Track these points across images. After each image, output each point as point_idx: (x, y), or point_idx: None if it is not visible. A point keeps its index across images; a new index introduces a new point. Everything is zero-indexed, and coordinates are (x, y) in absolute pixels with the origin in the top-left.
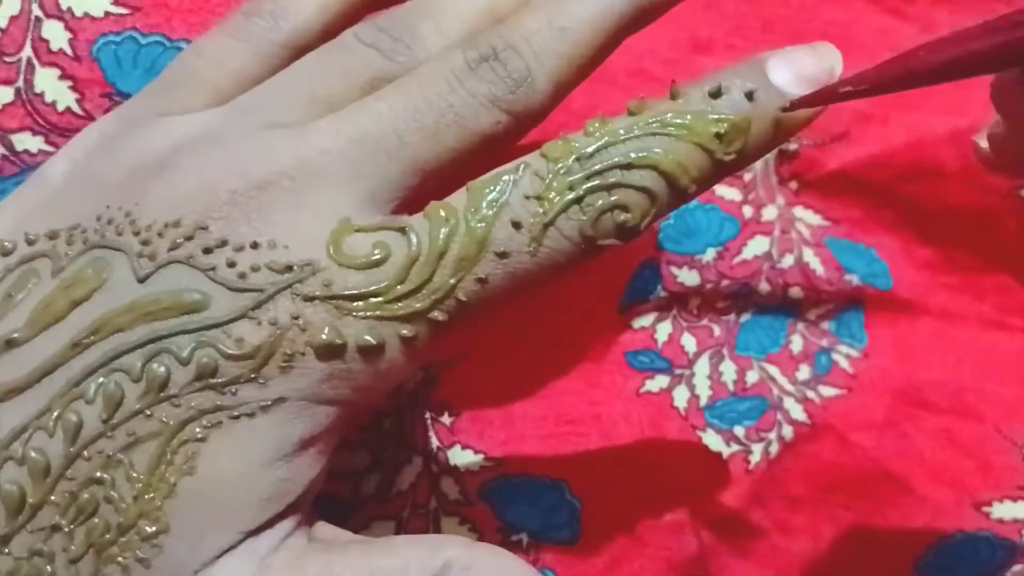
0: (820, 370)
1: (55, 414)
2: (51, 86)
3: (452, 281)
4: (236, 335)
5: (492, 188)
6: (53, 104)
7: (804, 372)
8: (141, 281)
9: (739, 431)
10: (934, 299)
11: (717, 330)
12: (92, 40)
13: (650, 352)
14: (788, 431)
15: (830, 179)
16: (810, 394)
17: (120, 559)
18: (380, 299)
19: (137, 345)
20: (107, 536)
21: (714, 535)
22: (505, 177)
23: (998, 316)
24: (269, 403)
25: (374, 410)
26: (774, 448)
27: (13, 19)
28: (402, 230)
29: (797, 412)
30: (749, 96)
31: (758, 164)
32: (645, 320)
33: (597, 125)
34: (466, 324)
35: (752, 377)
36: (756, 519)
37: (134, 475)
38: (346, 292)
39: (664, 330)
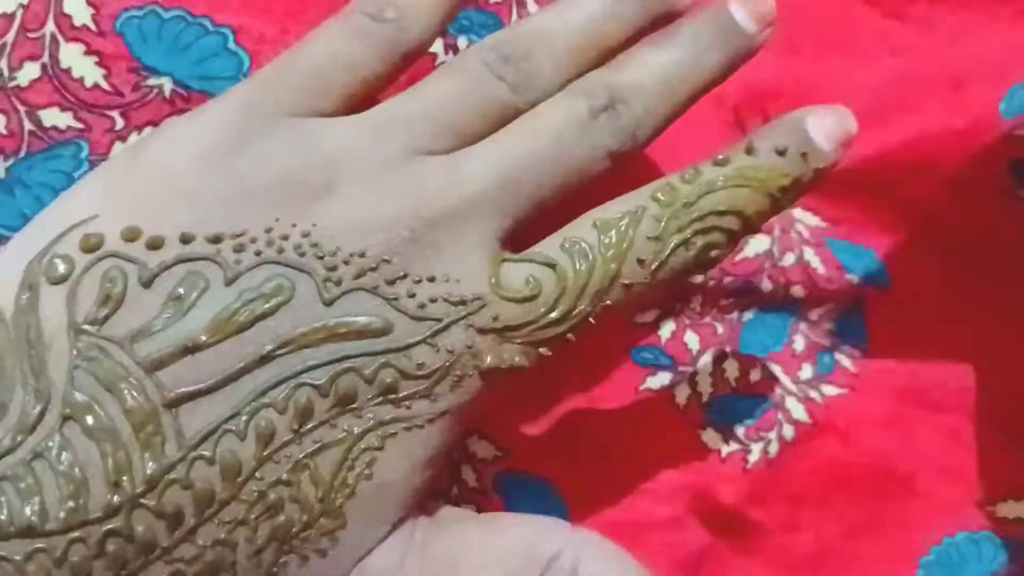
0: (823, 369)
1: (244, 419)
2: (77, 62)
3: (589, 309)
4: (416, 359)
5: (620, 226)
6: (81, 80)
7: (807, 371)
8: (327, 304)
9: (739, 430)
10: (934, 299)
11: (720, 328)
12: (115, 15)
13: (654, 348)
14: (789, 431)
15: (830, 179)
16: (812, 393)
17: (301, 551)
18: (533, 327)
19: (324, 363)
20: (292, 530)
21: (713, 533)
22: (628, 218)
23: (999, 317)
24: (436, 416)
25: None
26: (773, 448)
27: None
28: (552, 267)
29: (799, 412)
30: (803, 156)
31: None
32: (648, 317)
33: (692, 173)
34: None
35: (755, 375)
36: (756, 518)
37: (319, 478)
38: (510, 324)
39: (668, 327)
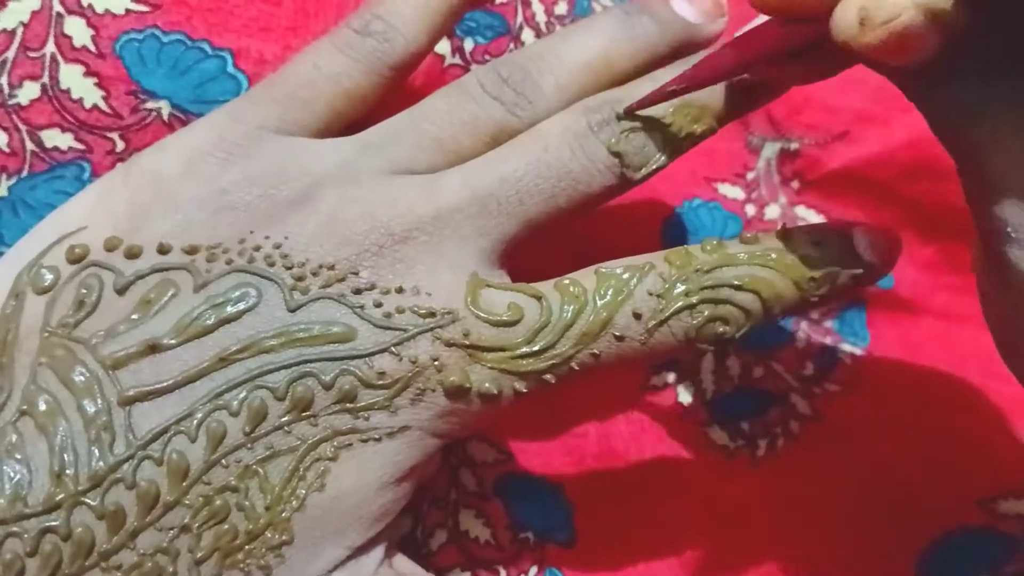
0: (825, 367)
1: (196, 420)
2: (77, 83)
3: (571, 351)
4: (378, 367)
5: (620, 278)
6: (80, 101)
7: (809, 369)
8: (292, 311)
9: (744, 426)
10: (935, 299)
11: None
12: (114, 37)
13: None
14: (794, 426)
15: (831, 178)
16: (815, 390)
17: (243, 565)
18: (507, 354)
19: (283, 366)
20: (235, 542)
21: (719, 529)
22: (632, 271)
23: None
24: (395, 430)
25: None
26: (780, 443)
27: (35, 14)
28: (538, 299)
29: (803, 407)
30: (841, 255)
31: (760, 163)
32: None
33: (715, 244)
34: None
35: (758, 372)
36: (761, 513)
37: (268, 486)
38: (481, 343)
39: None
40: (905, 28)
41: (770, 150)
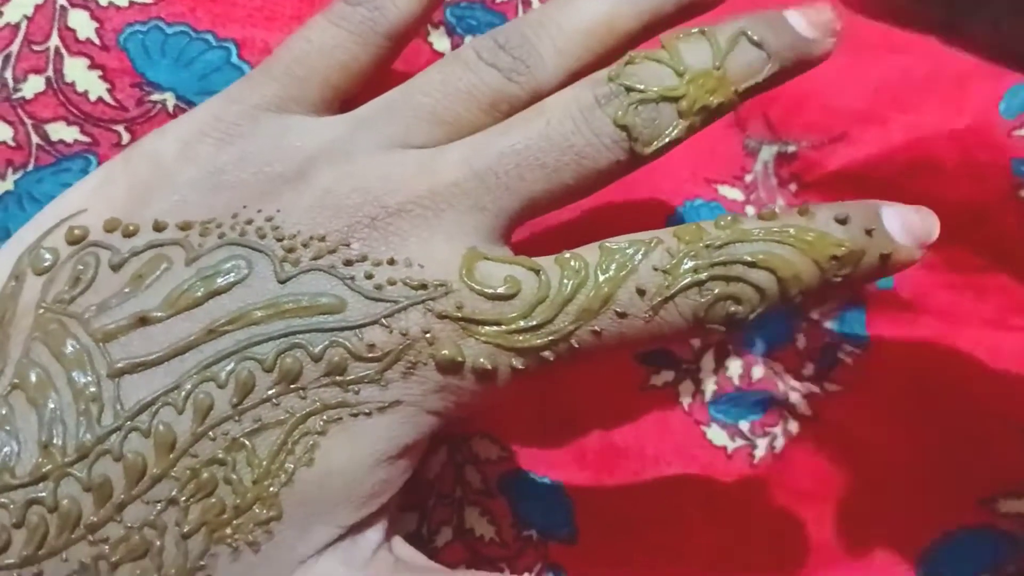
0: (825, 367)
1: (184, 392)
2: (81, 76)
3: (571, 327)
4: (368, 339)
5: (624, 252)
6: (85, 94)
7: (809, 369)
8: (282, 282)
9: (744, 426)
10: (935, 299)
11: None
12: (119, 30)
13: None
14: (794, 426)
15: (829, 180)
16: (815, 390)
17: (231, 540)
18: (503, 328)
19: (272, 338)
20: (223, 516)
21: (720, 529)
22: (638, 245)
23: (999, 316)
24: (386, 405)
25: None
26: (779, 443)
27: (39, 8)
28: (536, 272)
29: (802, 407)
30: (868, 232)
31: (758, 166)
32: None
33: (729, 220)
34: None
35: (757, 372)
36: (761, 513)
37: (255, 460)
38: (475, 316)
39: None
40: None
41: (767, 153)
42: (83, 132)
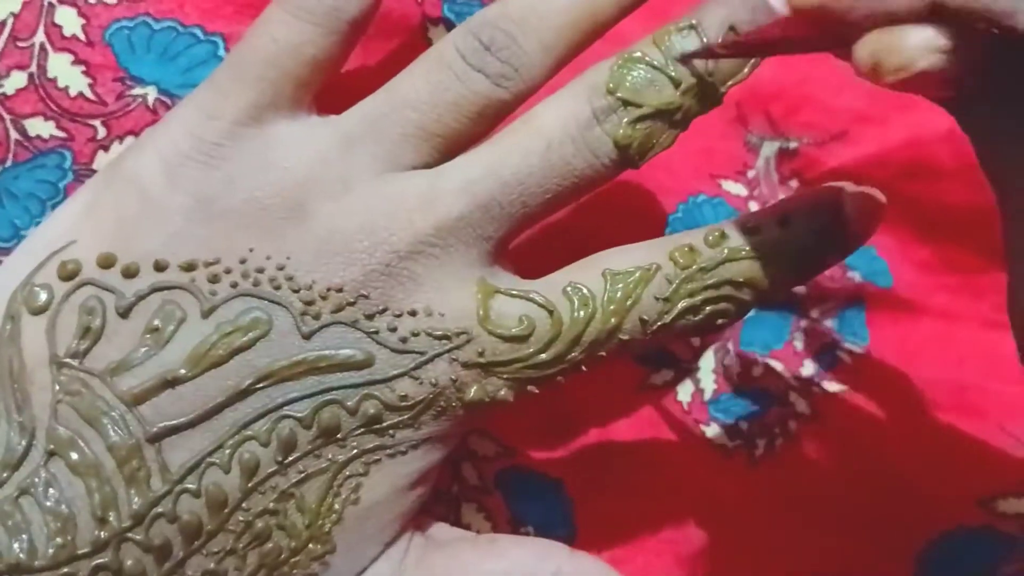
0: (824, 366)
1: (227, 452)
2: (64, 71)
3: (582, 357)
4: (399, 391)
5: (628, 282)
6: (66, 89)
7: (808, 368)
8: (306, 337)
9: (743, 425)
10: (934, 299)
11: None
12: (105, 26)
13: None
14: (793, 426)
15: (830, 178)
16: (814, 389)
17: (291, 575)
18: (521, 364)
19: (306, 395)
20: (280, 557)
21: (717, 528)
22: (639, 274)
23: (997, 316)
24: (419, 442)
25: None
26: (778, 442)
27: (26, 4)
28: (549, 312)
29: (802, 407)
30: (837, 235)
31: (759, 162)
32: None
33: (717, 236)
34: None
35: (757, 371)
36: (760, 512)
37: (305, 506)
38: (496, 359)
39: None
40: (917, 76)
41: (769, 149)
42: (59, 127)
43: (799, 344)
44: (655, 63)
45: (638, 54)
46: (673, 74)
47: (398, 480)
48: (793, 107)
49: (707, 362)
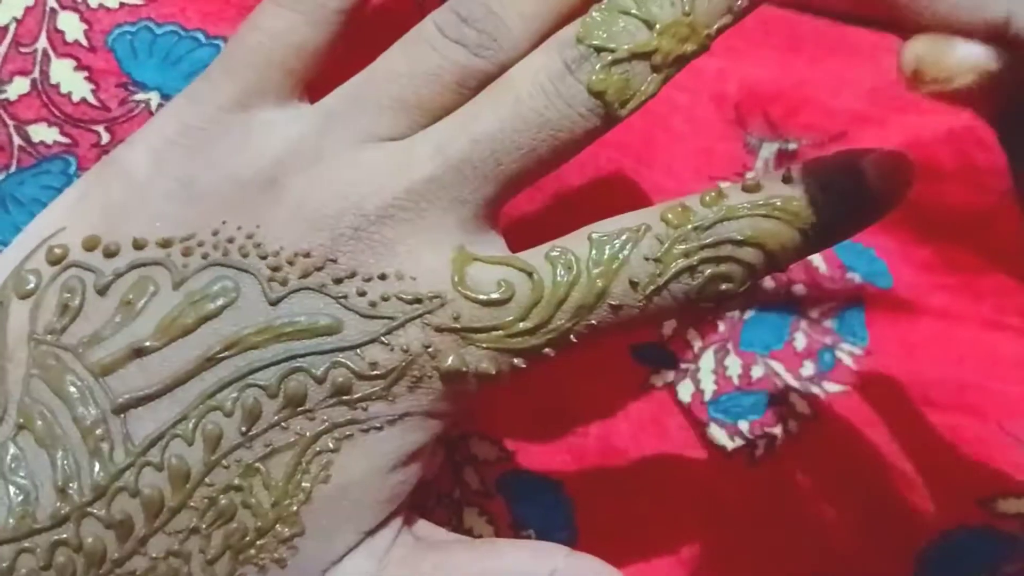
0: (824, 367)
1: (191, 423)
2: (66, 77)
3: (568, 325)
4: (369, 358)
5: (614, 243)
6: (68, 95)
7: (808, 368)
8: (273, 304)
9: (743, 426)
10: (933, 299)
11: (722, 326)
12: (107, 31)
13: (656, 346)
14: (793, 426)
15: None
16: (815, 390)
17: (256, 560)
18: (501, 332)
19: (272, 363)
20: (245, 539)
21: (719, 529)
22: (627, 235)
23: (997, 317)
24: (396, 417)
25: None
26: (779, 442)
27: (28, 10)
28: (529, 274)
29: (802, 407)
30: (850, 193)
31: (759, 163)
32: None
33: (714, 196)
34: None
35: (757, 372)
36: (760, 513)
37: (272, 482)
38: (473, 325)
39: (669, 325)
40: (954, 92)
41: (768, 151)
42: (63, 133)
43: (799, 344)
44: (626, 8)
45: (607, 4)
46: (644, 16)
47: (374, 460)
48: (792, 108)
49: (707, 363)
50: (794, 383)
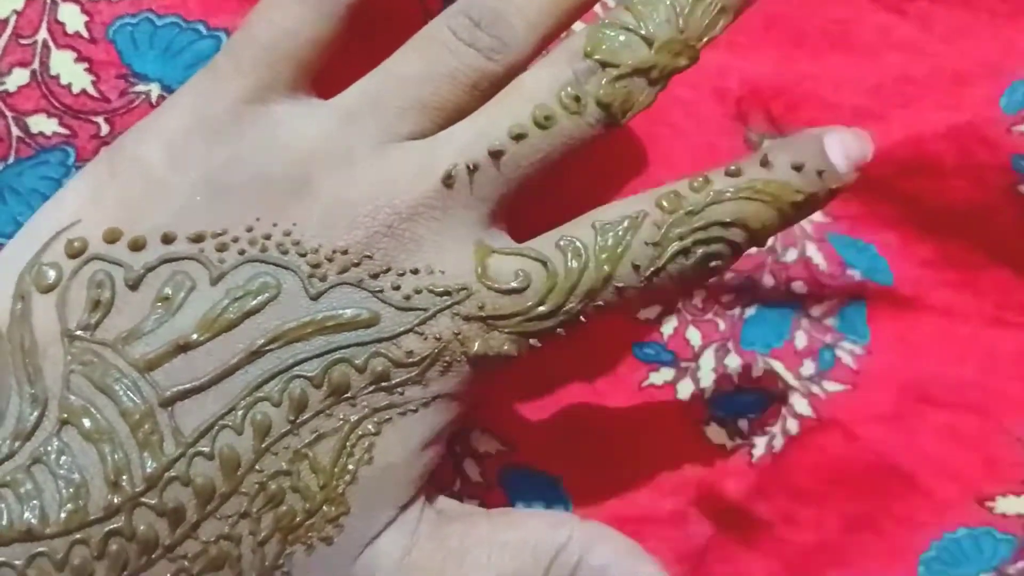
0: (824, 365)
1: (240, 414)
2: (66, 68)
3: (579, 307)
4: (405, 347)
5: (617, 230)
6: (68, 86)
7: (808, 367)
8: (314, 299)
9: (743, 424)
10: (935, 296)
11: (722, 324)
12: (108, 22)
13: (656, 344)
14: (793, 425)
15: None
16: (815, 389)
17: (305, 539)
18: (521, 318)
19: (315, 355)
20: (295, 520)
21: (718, 527)
22: (627, 221)
23: (998, 313)
24: (429, 400)
25: None
26: (778, 442)
27: (29, 2)
28: (543, 263)
29: (802, 406)
30: (820, 174)
31: None
32: (650, 313)
33: (702, 182)
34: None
35: (757, 371)
36: (760, 512)
37: (319, 466)
38: (496, 312)
39: (670, 323)
40: None
41: None
42: (62, 124)
43: (799, 343)
44: (628, 25)
45: (609, 20)
46: (644, 34)
47: (410, 440)
48: (793, 104)
49: (707, 361)
50: (794, 382)
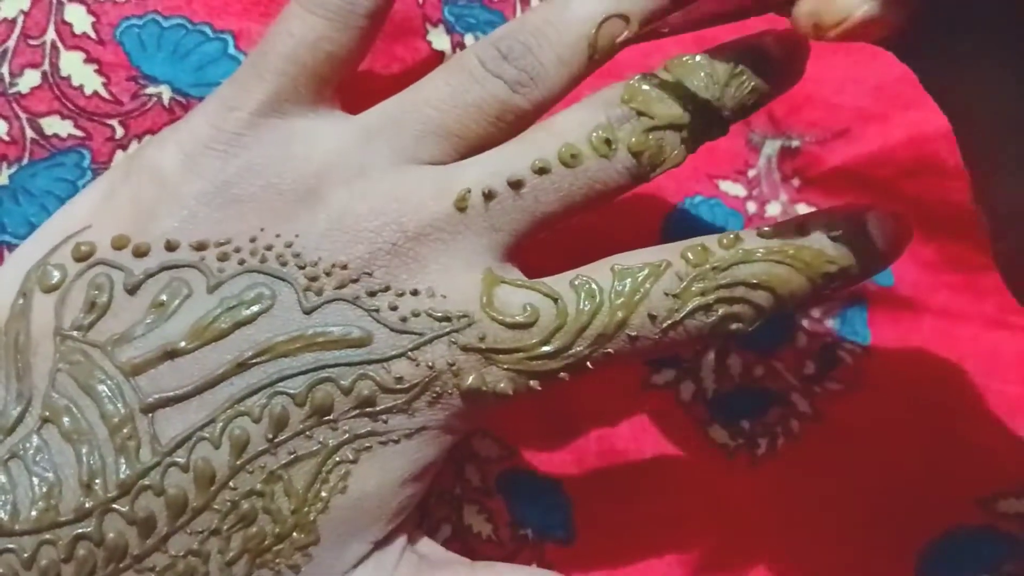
0: (826, 366)
1: (219, 427)
2: (77, 70)
3: (587, 352)
4: (395, 372)
5: (636, 276)
6: (81, 88)
7: (810, 368)
8: (307, 313)
9: (745, 425)
10: (935, 298)
11: None
12: (115, 23)
13: None
14: (794, 425)
15: (832, 176)
16: (816, 389)
17: (272, 565)
18: (523, 355)
19: (301, 372)
20: (264, 543)
21: (719, 528)
22: (648, 269)
23: (999, 315)
24: (413, 431)
25: None
26: (780, 442)
27: (35, 2)
28: (554, 300)
29: (803, 406)
30: (856, 246)
31: (761, 160)
32: None
33: (732, 239)
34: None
35: (758, 371)
36: (761, 512)
37: (293, 490)
38: (497, 346)
39: None
40: (857, 26)
41: (771, 148)
42: (77, 126)
43: (801, 344)
44: (666, 86)
45: (649, 75)
46: (682, 93)
47: (389, 473)
48: (795, 105)
49: (709, 362)
50: (795, 383)
